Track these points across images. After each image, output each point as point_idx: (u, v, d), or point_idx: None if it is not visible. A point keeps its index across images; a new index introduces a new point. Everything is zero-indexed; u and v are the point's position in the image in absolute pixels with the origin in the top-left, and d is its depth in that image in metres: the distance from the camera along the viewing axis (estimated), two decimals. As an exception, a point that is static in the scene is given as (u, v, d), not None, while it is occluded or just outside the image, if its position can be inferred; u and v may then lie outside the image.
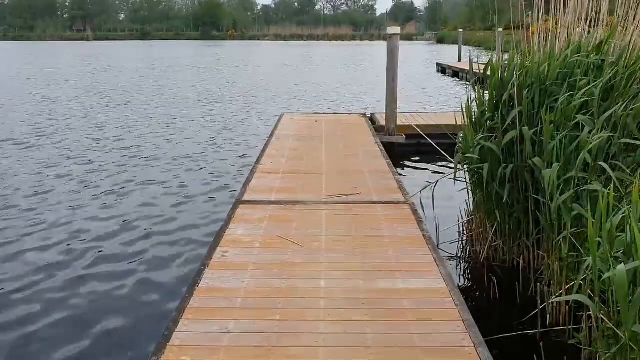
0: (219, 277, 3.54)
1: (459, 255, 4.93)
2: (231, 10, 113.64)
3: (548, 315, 3.66)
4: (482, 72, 4.95)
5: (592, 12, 4.58)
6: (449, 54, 38.04)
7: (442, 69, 27.05)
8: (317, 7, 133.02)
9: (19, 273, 4.67)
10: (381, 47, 52.47)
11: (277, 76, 25.16)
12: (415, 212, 4.78)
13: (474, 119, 4.79)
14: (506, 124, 4.24)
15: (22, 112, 13.91)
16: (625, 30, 4.47)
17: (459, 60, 29.86)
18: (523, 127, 4.07)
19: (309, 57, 42.99)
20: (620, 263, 2.71)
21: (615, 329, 2.66)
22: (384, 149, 7.51)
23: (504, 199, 4.18)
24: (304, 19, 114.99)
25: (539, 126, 4.09)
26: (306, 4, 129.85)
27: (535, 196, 4.07)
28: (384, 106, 9.22)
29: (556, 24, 4.72)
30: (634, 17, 4.38)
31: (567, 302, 3.58)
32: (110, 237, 5.47)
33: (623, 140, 3.76)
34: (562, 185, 3.68)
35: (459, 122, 5.17)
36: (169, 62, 36.22)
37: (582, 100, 3.91)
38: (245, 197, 5.28)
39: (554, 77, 4.28)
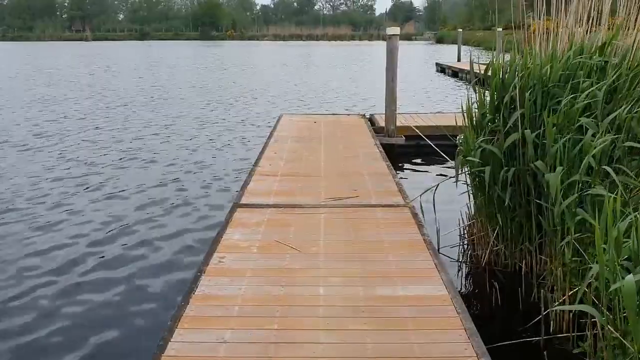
0: (215, 283, 3.47)
1: (460, 259, 4.86)
2: (230, 10, 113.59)
3: (551, 322, 3.59)
4: (482, 72, 4.88)
5: (593, 11, 4.51)
6: (448, 54, 37.95)
7: (442, 69, 26.99)
8: (316, 7, 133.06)
9: (13, 279, 4.59)
10: (380, 47, 52.39)
11: (276, 77, 25.10)
12: (415, 215, 4.71)
13: (474, 121, 4.72)
14: (508, 127, 4.17)
15: (20, 114, 13.83)
16: (627, 30, 4.40)
17: (458, 60, 29.82)
18: (525, 130, 3.99)
19: (308, 57, 42.92)
20: (627, 271, 2.65)
21: (622, 340, 2.59)
22: (383, 151, 7.44)
23: (506, 203, 4.11)
24: (303, 19, 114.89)
25: (542, 129, 4.01)
26: (305, 4, 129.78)
27: (538, 201, 4.00)
28: (383, 107, 9.15)
29: (557, 24, 4.65)
30: (637, 18, 4.31)
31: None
32: (106, 242, 5.39)
33: (627, 143, 3.69)
34: (565, 190, 3.61)
35: (459, 123, 5.11)
36: (168, 62, 36.15)
37: (586, 102, 3.83)
38: (243, 201, 5.21)
39: (556, 79, 4.21)
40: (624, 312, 2.59)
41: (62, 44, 71.83)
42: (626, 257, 2.76)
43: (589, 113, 3.96)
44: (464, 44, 34.45)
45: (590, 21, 4.52)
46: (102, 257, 5.04)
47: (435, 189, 4.71)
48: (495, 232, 4.49)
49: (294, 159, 7.03)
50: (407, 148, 8.87)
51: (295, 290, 3.37)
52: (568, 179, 3.62)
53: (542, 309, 3.63)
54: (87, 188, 7.21)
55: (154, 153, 9.29)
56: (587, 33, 4.53)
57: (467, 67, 21.75)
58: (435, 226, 4.94)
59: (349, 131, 9.06)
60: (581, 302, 3.26)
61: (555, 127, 3.84)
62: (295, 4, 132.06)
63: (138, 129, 11.61)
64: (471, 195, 4.88)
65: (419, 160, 8.58)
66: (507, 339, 3.49)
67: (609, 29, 4.50)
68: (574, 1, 4.53)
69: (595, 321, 3.02)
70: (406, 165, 8.45)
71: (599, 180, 3.62)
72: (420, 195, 4.82)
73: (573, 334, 3.42)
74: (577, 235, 3.52)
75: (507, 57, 4.82)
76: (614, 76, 3.97)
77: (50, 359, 3.52)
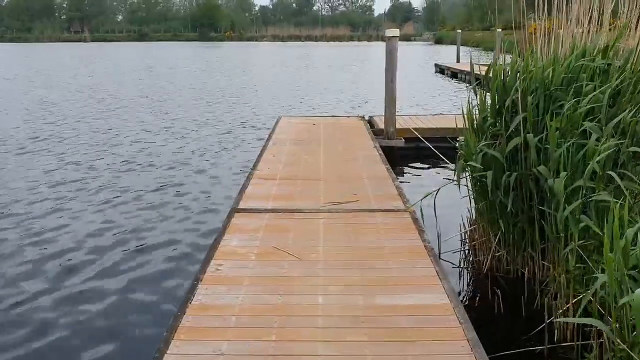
0: (212, 292, 3.40)
1: (461, 265, 4.79)
2: (229, 11, 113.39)
3: (556, 331, 3.52)
4: (483, 74, 4.81)
5: (595, 12, 4.44)
6: (447, 55, 37.87)
7: (441, 70, 26.91)
8: (314, 8, 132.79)
9: (7, 288, 4.51)
10: (379, 47, 52.29)
11: (275, 78, 25.03)
12: (415, 220, 4.64)
13: (475, 125, 4.65)
14: (510, 131, 4.10)
15: (18, 116, 13.76)
16: (630, 32, 4.33)
17: (458, 61, 29.74)
18: (528, 134, 3.92)
19: (307, 59, 42.84)
20: (634, 280, 2.58)
21: (630, 352, 2.52)
22: (382, 154, 7.37)
23: (509, 209, 4.04)
24: (302, 20, 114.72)
25: (544, 133, 3.94)
26: (304, 5, 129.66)
27: (540, 207, 3.92)
28: (382, 108, 9.08)
29: (559, 25, 4.58)
30: (639, 20, 4.25)
31: (575, 315, 3.44)
32: (102, 248, 5.30)
33: (632, 148, 3.62)
34: (568, 195, 3.54)
35: (459, 126, 5.04)
36: (167, 64, 36.07)
37: (589, 106, 3.76)
38: (241, 205, 5.14)
39: (559, 82, 4.14)
40: (632, 318, 2.52)
41: (61, 45, 71.66)
42: (633, 265, 2.70)
43: (592, 117, 3.89)
44: (462, 45, 34.41)
45: (592, 22, 4.46)
46: (98, 264, 4.95)
47: (436, 194, 4.63)
48: (497, 237, 4.42)
49: (293, 162, 6.96)
50: (406, 150, 8.79)
51: (293, 299, 3.30)
52: (571, 184, 3.56)
53: (546, 317, 3.56)
54: (85, 192, 7.14)
55: (152, 156, 9.21)
56: (589, 33, 4.46)
57: (467, 68, 21.87)
58: (435, 231, 4.87)
59: (348, 133, 8.99)
60: (585, 310, 3.20)
61: (558, 131, 3.77)
62: (294, 4, 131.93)
63: (136, 132, 11.53)
64: (472, 200, 4.80)
65: (418, 163, 8.51)
66: (510, 348, 3.43)
67: (610, 29, 4.44)
68: (576, 2, 4.47)
69: (601, 330, 2.96)
70: (406, 168, 8.39)
71: (603, 185, 3.55)
72: (421, 200, 4.74)
73: (578, 343, 3.34)
74: (580, 242, 3.45)
75: (508, 58, 4.76)
76: (619, 80, 3.89)
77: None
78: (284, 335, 2.91)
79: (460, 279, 4.59)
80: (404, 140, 8.83)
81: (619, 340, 2.61)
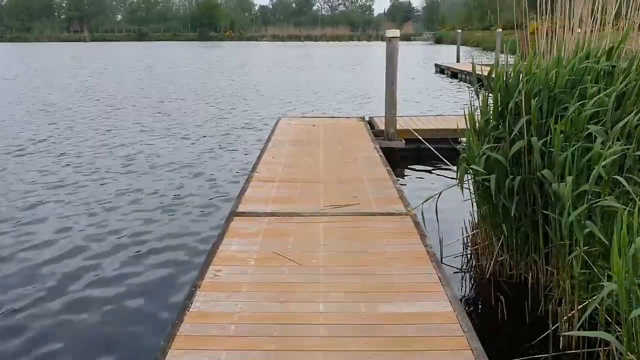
0: (211, 299, 3.33)
1: (463, 269, 4.72)
2: (229, 11, 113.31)
3: (560, 338, 3.46)
4: (484, 74, 4.75)
5: (597, 13, 4.37)
6: (447, 54, 37.81)
7: (441, 70, 26.84)
8: (314, 8, 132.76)
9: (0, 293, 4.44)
10: (379, 47, 52.22)
11: (275, 78, 24.96)
12: (417, 224, 4.58)
13: (477, 127, 4.58)
14: (513, 134, 4.03)
15: (17, 116, 13.69)
16: (634, 32, 4.27)
17: (458, 60, 29.69)
18: (532, 138, 3.86)
19: (307, 58, 42.77)
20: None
21: (639, 363, 2.46)
22: (383, 155, 7.30)
23: (512, 213, 3.97)
24: (302, 20, 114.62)
25: (548, 136, 3.88)
26: (304, 5, 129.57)
27: (545, 211, 3.86)
28: (382, 109, 9.01)
29: (562, 26, 4.51)
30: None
31: (581, 322, 3.38)
32: (99, 253, 5.21)
33: (639, 152, 3.55)
34: (573, 200, 3.47)
35: (460, 126, 4.98)
36: (167, 63, 36.02)
37: (594, 110, 3.70)
38: (240, 209, 5.07)
39: (563, 84, 4.07)
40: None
41: (60, 45, 71.60)
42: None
43: (596, 120, 3.83)
44: (462, 45, 34.35)
45: (595, 23, 4.39)
46: (93, 269, 4.87)
47: (438, 198, 4.56)
48: (500, 241, 4.36)
49: (293, 163, 6.90)
50: (407, 152, 8.73)
51: (294, 307, 3.23)
52: (576, 189, 3.49)
53: (550, 324, 3.49)
54: (84, 193, 7.07)
55: (151, 157, 9.15)
56: (592, 33, 4.39)
57: (467, 69, 21.83)
58: (437, 234, 4.79)
59: (348, 134, 8.93)
60: (591, 317, 3.14)
61: (562, 135, 3.70)
62: (293, 4, 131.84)
63: (135, 133, 11.47)
64: (474, 204, 4.74)
65: (419, 165, 8.44)
66: (514, 356, 3.36)
67: (613, 30, 4.37)
68: (579, 2, 4.40)
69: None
70: (407, 170, 8.32)
71: (608, 190, 3.48)
72: (422, 204, 4.68)
73: (583, 350, 3.28)
74: (586, 248, 3.39)
75: (508, 58, 4.70)
76: (625, 82, 3.82)
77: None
78: (284, 344, 2.85)
79: (462, 284, 4.53)
80: (404, 141, 8.77)
81: (627, 351, 2.54)
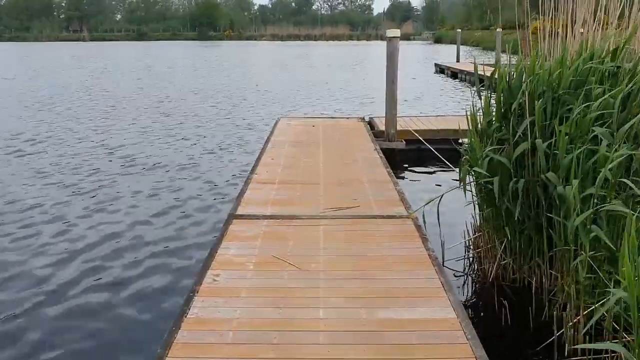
0: (209, 305, 3.27)
1: (465, 272, 4.65)
2: (228, 10, 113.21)
3: (565, 345, 3.39)
4: (484, 74, 4.68)
5: (600, 12, 4.31)
6: (446, 54, 37.73)
7: (441, 70, 26.77)
8: (314, 7, 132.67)
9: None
10: (378, 46, 52.15)
11: (275, 77, 24.88)
12: (419, 227, 4.51)
13: (479, 128, 4.51)
14: (517, 136, 3.96)
15: (17, 116, 13.61)
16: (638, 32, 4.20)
17: (457, 60, 29.63)
18: (536, 140, 3.79)
19: (307, 58, 42.69)
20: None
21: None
22: (383, 156, 7.24)
23: (516, 216, 3.90)
24: (301, 19, 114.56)
25: (552, 138, 3.81)
26: (303, 4, 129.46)
27: (549, 214, 3.79)
28: (382, 109, 8.94)
29: (564, 25, 4.44)
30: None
31: (587, 329, 3.31)
32: (96, 258, 5.13)
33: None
34: (579, 203, 3.40)
35: (461, 127, 4.92)
36: (166, 63, 35.94)
37: (600, 112, 3.63)
38: (239, 211, 5.00)
39: (567, 85, 4.00)
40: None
41: (60, 45, 71.49)
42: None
43: (601, 122, 3.76)
44: (462, 44, 34.28)
45: (598, 23, 4.32)
46: (91, 273, 4.79)
47: (440, 200, 4.50)
48: (503, 245, 4.29)
49: (292, 165, 6.83)
50: (407, 153, 8.66)
51: (293, 312, 3.16)
52: (581, 192, 3.42)
53: (555, 330, 3.43)
54: (83, 195, 7.00)
55: (151, 158, 9.07)
56: (595, 32, 4.32)
57: (467, 68, 21.75)
58: (438, 237, 4.73)
59: (348, 135, 8.86)
60: (597, 322, 3.08)
61: (567, 137, 3.64)
62: (293, 4, 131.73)
63: (135, 133, 11.40)
64: (476, 206, 4.67)
65: (420, 166, 8.36)
66: (519, 363, 3.30)
67: (618, 30, 4.30)
68: (583, 2, 4.33)
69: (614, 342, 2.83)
70: (407, 172, 8.24)
71: (614, 194, 3.42)
72: (424, 206, 4.62)
73: (590, 357, 3.21)
74: (591, 253, 3.32)
75: (508, 58, 4.63)
76: (631, 84, 3.75)
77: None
78: (284, 352, 2.78)
79: (464, 288, 4.45)
80: (404, 142, 8.70)
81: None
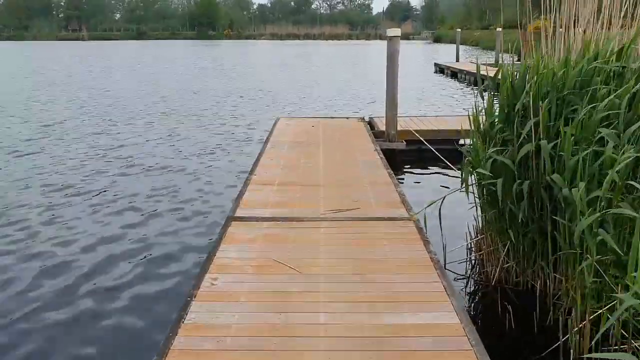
0: (207, 310, 3.19)
1: (467, 275, 4.58)
2: (227, 10, 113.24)
3: (571, 350, 3.32)
4: (485, 73, 4.61)
5: (605, 10, 4.24)
6: (446, 54, 37.67)
7: (441, 69, 26.71)
8: (313, 6, 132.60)
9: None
10: (378, 46, 52.14)
11: (274, 77, 24.81)
12: (420, 230, 4.44)
13: (481, 129, 4.44)
14: (522, 137, 3.89)
15: (17, 117, 13.52)
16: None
17: (457, 60, 29.57)
18: (541, 141, 3.72)
19: (306, 57, 42.60)
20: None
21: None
22: (384, 157, 7.16)
23: (519, 219, 3.83)
24: (300, 18, 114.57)
25: (557, 139, 3.74)
26: (302, 3, 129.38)
27: (554, 217, 3.71)
28: (382, 109, 8.87)
29: (564, 25, 4.37)
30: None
31: (592, 333, 3.25)
32: (94, 260, 5.07)
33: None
34: (585, 206, 3.33)
35: (462, 127, 4.85)
36: (165, 62, 35.85)
37: (606, 113, 3.56)
38: (238, 213, 4.93)
39: (572, 85, 3.94)
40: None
41: (59, 44, 71.39)
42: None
43: (607, 123, 3.69)
44: (461, 44, 34.22)
45: (601, 22, 4.25)
46: (88, 277, 4.71)
47: (442, 202, 4.43)
48: (506, 247, 4.22)
49: (292, 166, 6.76)
50: (408, 153, 8.58)
51: (294, 318, 3.09)
52: (588, 195, 3.35)
53: (561, 335, 3.36)
54: (82, 196, 6.92)
55: (150, 158, 9.00)
56: (599, 32, 4.25)
57: (467, 68, 21.69)
58: (440, 239, 4.66)
59: (348, 135, 8.79)
60: (605, 329, 3.01)
61: (572, 138, 3.57)
62: (292, 3, 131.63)
63: (134, 133, 11.33)
64: (479, 208, 4.60)
65: (421, 167, 8.28)
66: (523, 369, 3.23)
67: (623, 29, 4.23)
68: (586, 2, 4.26)
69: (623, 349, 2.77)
70: (408, 172, 8.16)
71: (621, 196, 3.35)
72: (425, 208, 4.55)
73: (596, 364, 3.14)
74: (598, 257, 3.25)
75: (511, 58, 4.56)
76: (637, 84, 3.68)
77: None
78: (283, 359, 2.71)
79: (467, 291, 4.38)
80: (405, 142, 8.63)
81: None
